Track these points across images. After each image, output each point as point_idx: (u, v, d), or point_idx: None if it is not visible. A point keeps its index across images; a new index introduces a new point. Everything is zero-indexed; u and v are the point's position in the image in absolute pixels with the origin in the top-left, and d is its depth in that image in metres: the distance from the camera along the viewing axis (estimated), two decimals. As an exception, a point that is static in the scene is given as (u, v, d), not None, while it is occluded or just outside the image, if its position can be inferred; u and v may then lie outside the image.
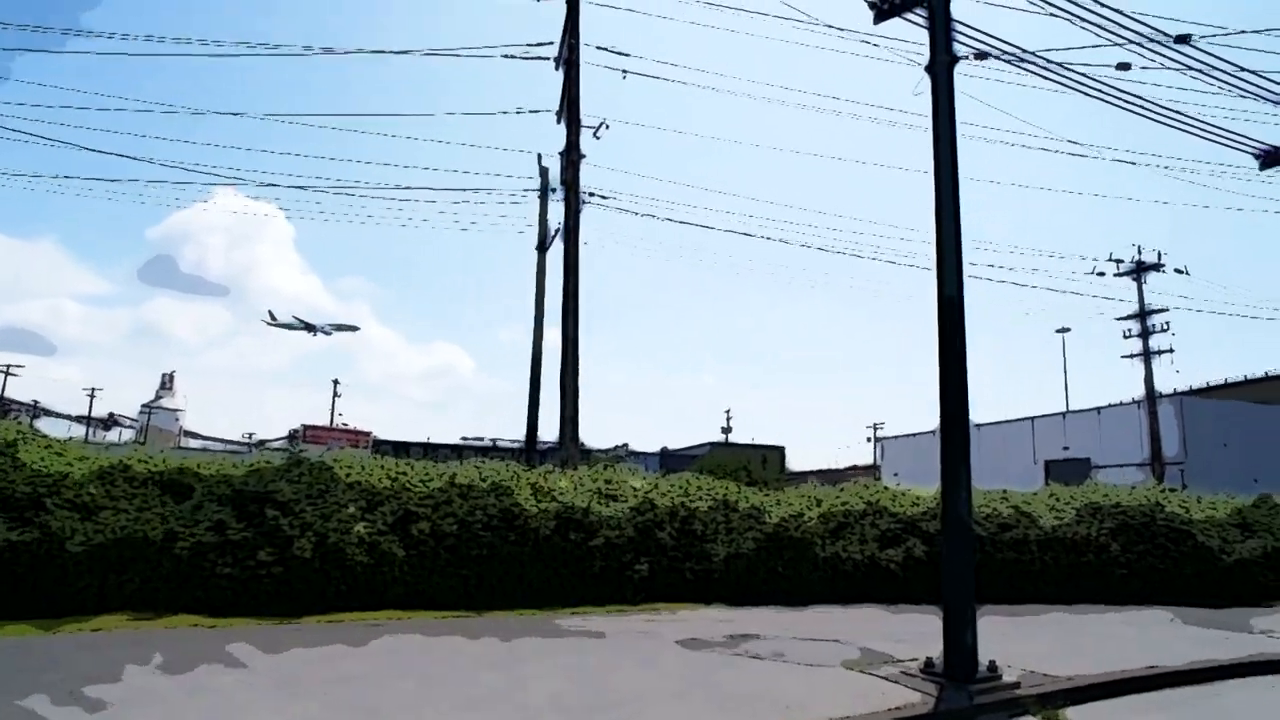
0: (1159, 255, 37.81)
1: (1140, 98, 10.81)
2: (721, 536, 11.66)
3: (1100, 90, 10.60)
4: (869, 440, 72.41)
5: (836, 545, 12.03)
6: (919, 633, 9.26)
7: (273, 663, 6.55)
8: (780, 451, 61.30)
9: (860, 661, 7.49)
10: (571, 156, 17.16)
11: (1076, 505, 14.54)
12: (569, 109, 17.60)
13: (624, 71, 17.24)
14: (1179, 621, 11.34)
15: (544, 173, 23.91)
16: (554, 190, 17.26)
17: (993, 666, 6.88)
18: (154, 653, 6.63)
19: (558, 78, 18.29)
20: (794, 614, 10.45)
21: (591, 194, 17.05)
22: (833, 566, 11.78)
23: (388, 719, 5.19)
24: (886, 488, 14.30)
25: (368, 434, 63.88)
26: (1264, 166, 11.84)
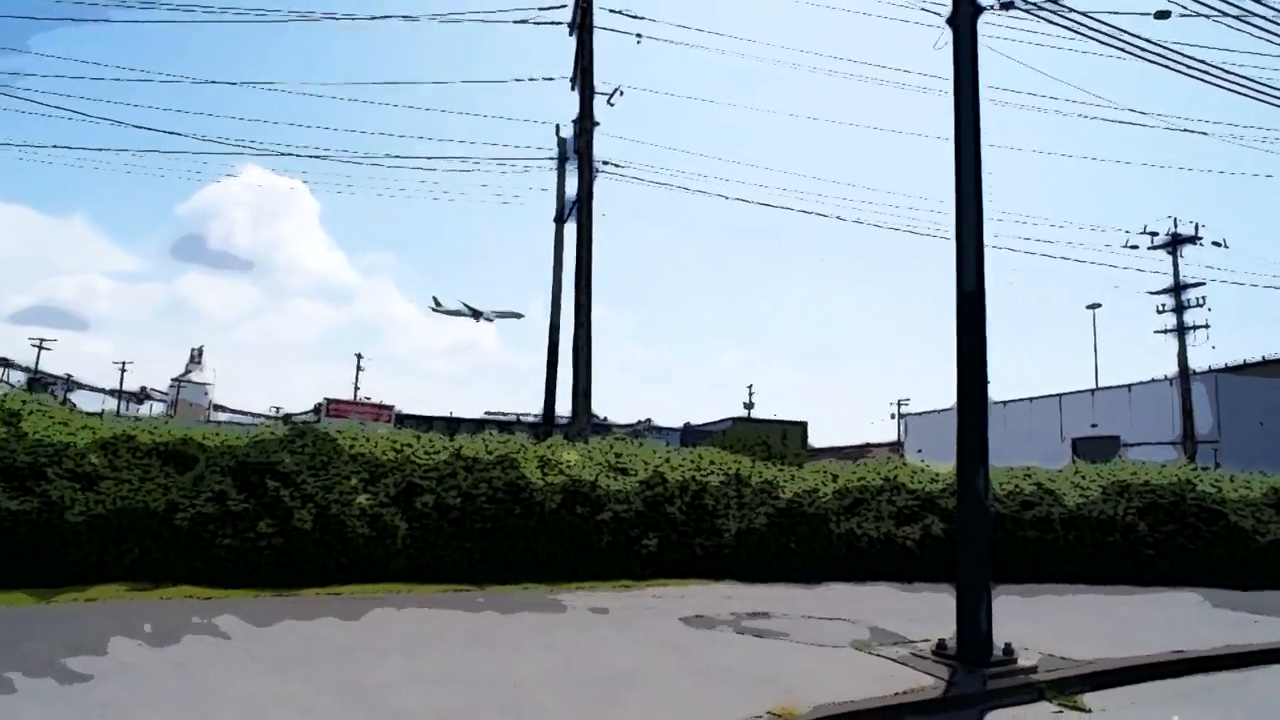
0: (1196, 227, 36.53)
1: (1180, 52, 10.19)
2: (733, 511, 11.39)
3: (1138, 46, 10.01)
4: (893, 417, 71.77)
5: (851, 522, 11.71)
6: (934, 613, 8.95)
7: (261, 635, 6.42)
8: (803, 427, 60.73)
9: (870, 642, 7.21)
10: (584, 124, 16.79)
11: (1103, 483, 14.08)
12: (582, 76, 17.20)
13: (638, 35, 16.77)
14: (1208, 604, 10.92)
15: (562, 143, 23.53)
16: (569, 160, 16.88)
17: (1008, 649, 6.57)
18: (144, 624, 6.53)
19: (574, 44, 17.87)
20: (806, 591, 10.19)
21: (605, 163, 16.68)
22: (847, 543, 11.47)
23: (370, 695, 5.01)
24: (905, 463, 13.94)
25: (391, 408, 64.33)
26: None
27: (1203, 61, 10.45)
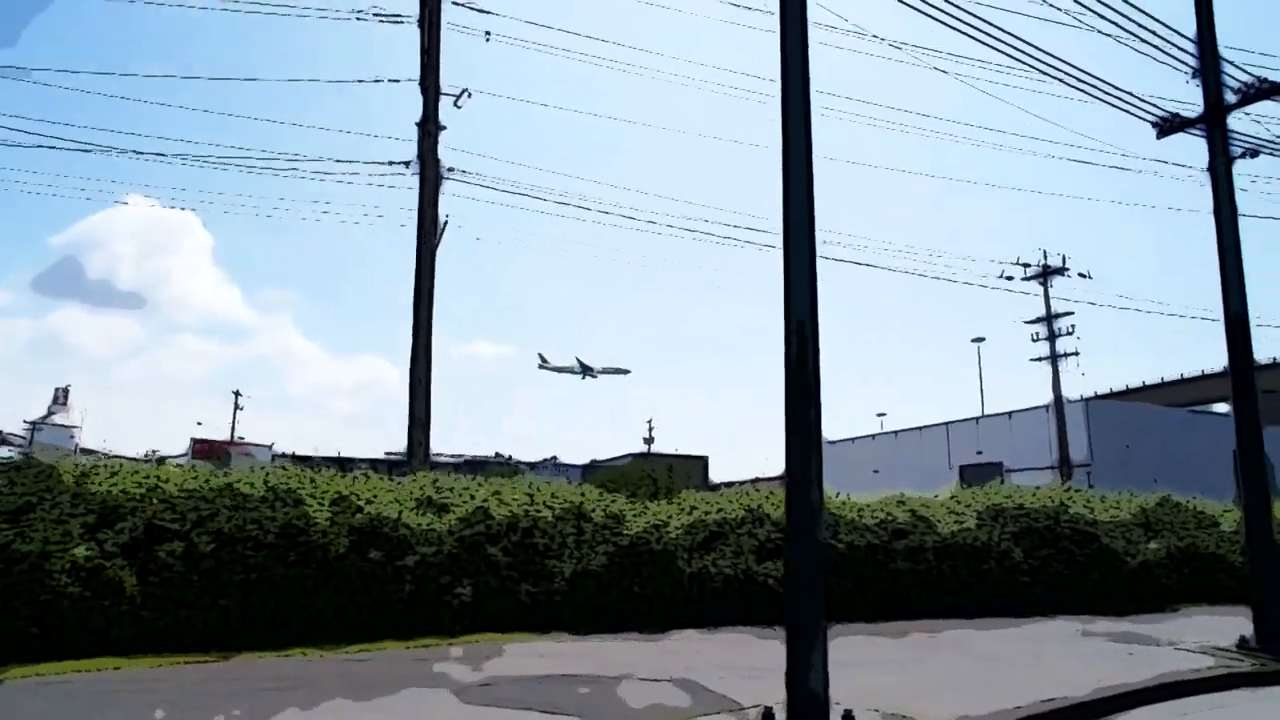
0: (1063, 259, 38.08)
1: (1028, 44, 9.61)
2: (569, 551, 9.86)
3: (988, 34, 9.35)
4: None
5: (706, 559, 10.37)
6: (782, 666, 7.66)
7: None
8: (703, 461, 59.96)
9: (687, 712, 5.78)
10: (428, 127, 15.27)
11: (978, 509, 13.34)
12: (427, 75, 15.71)
13: (486, 33, 15.46)
14: (1082, 634, 10.09)
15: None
16: (408, 164, 15.30)
17: (848, 717, 5.25)
18: None
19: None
20: (643, 644, 8.72)
21: (451, 169, 15.15)
22: (700, 584, 10.10)
23: None
24: (773, 492, 12.78)
25: (268, 447, 60.00)
26: (1161, 135, 10.81)
27: (1047, 54, 9.92)
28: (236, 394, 74.12)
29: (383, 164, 15.01)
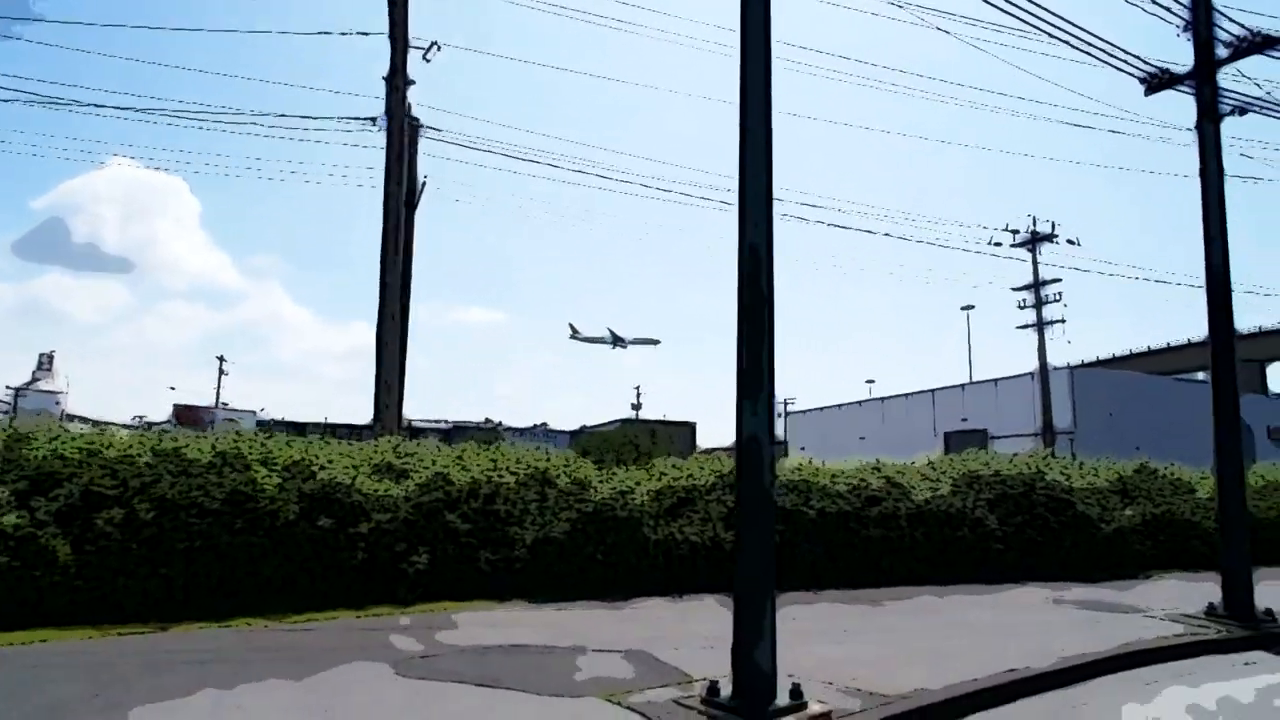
0: (1052, 225, 37.73)
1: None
2: (532, 517, 9.61)
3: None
4: (779, 415, 72.22)
5: (673, 526, 10.15)
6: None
7: None
8: (690, 428, 60.02)
9: (633, 685, 5.56)
10: (395, 81, 14.72)
11: (954, 475, 13.17)
12: (395, 26, 15.09)
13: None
14: (1053, 602, 9.97)
15: (414, 126, 21.47)
16: (374, 120, 14.73)
17: (796, 692, 5.03)
18: None
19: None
20: (603, 613, 8.51)
21: (421, 124, 14.62)
22: (666, 551, 9.89)
23: None
24: (711, 454, 12.57)
25: (253, 413, 59.55)
26: (1149, 91, 10.40)
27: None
28: (221, 360, 73.65)
29: (350, 119, 14.47)
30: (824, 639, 7.43)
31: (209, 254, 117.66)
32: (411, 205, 21.78)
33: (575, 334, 77.45)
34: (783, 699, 4.95)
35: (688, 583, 9.89)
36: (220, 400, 70.58)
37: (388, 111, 14.74)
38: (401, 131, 14.45)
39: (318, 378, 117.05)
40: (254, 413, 59.59)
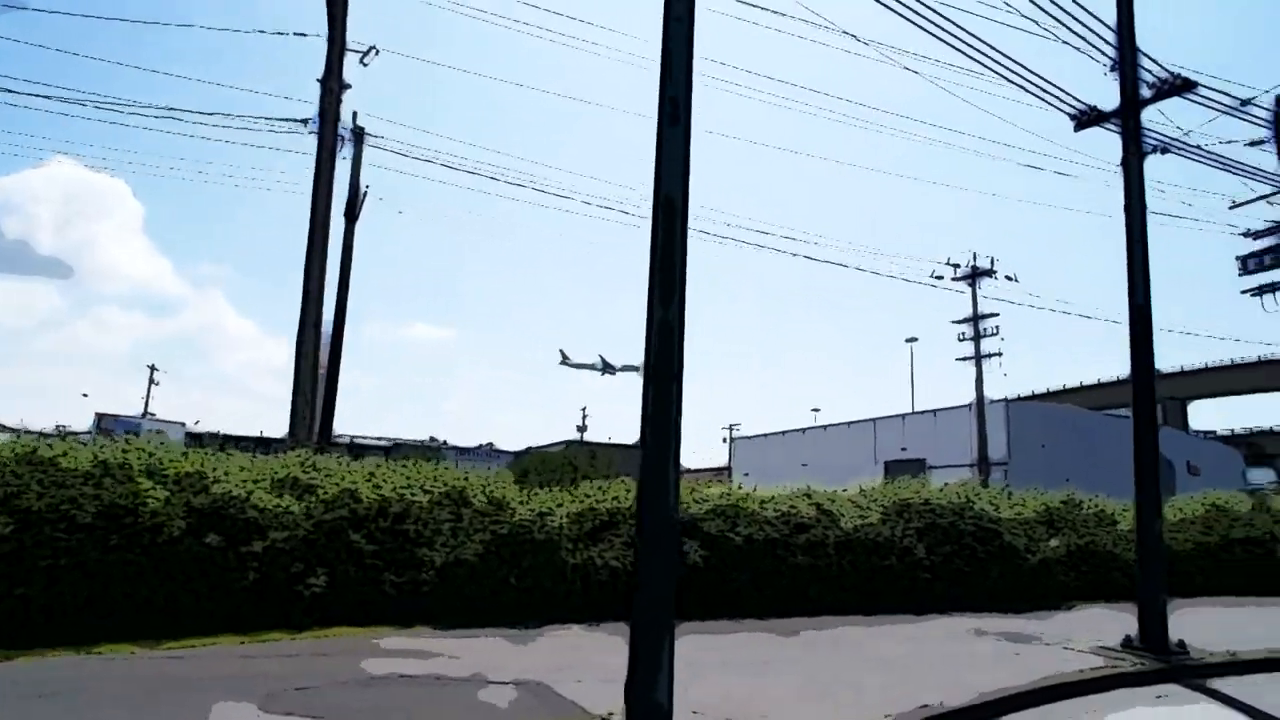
0: (992, 261, 38.78)
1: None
2: (444, 539, 9.14)
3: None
4: (724, 441, 72.33)
5: (593, 550, 9.77)
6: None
7: None
8: (635, 450, 59.44)
9: (522, 721, 5.17)
10: (330, 83, 14.22)
11: (884, 504, 13.07)
12: (333, 27, 14.64)
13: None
14: (977, 633, 9.84)
15: (358, 135, 21.02)
16: (306, 122, 14.20)
17: (693, 729, 4.71)
18: None
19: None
20: (510, 641, 8.06)
21: (353, 129, 14.14)
22: (584, 576, 9.50)
23: None
24: (694, 488, 12.28)
25: (180, 424, 57.26)
26: (1078, 128, 10.60)
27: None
28: (152, 369, 70.77)
29: (280, 120, 13.92)
30: (739, 671, 7.14)
31: (150, 260, 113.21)
32: (353, 216, 21.22)
33: (565, 360, 78.11)
34: (678, 739, 4.62)
35: (607, 609, 9.49)
36: (148, 410, 67.80)
37: (321, 114, 14.23)
38: (334, 135, 13.97)
39: (260, 392, 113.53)
40: (182, 424, 57.27)
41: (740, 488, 13.19)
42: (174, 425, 55.59)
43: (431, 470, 10.36)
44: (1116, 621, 9.93)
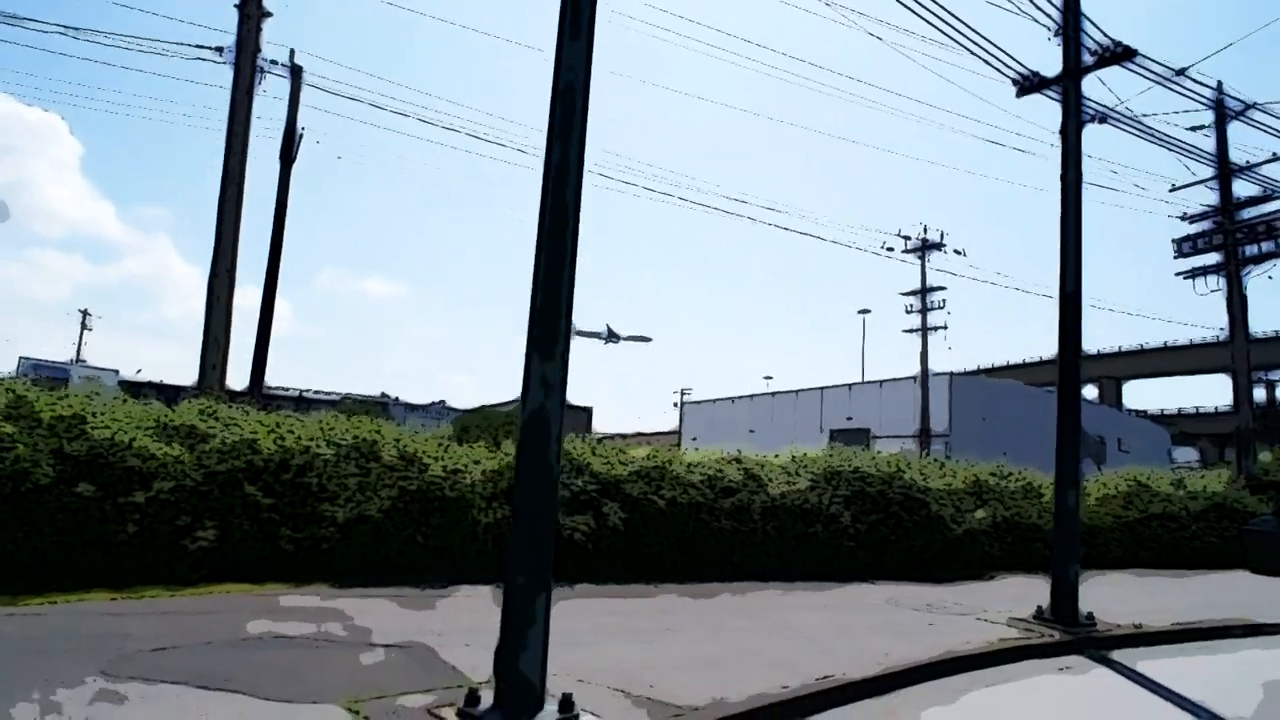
0: (941, 235, 39.02)
1: None
2: (349, 494, 8.72)
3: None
4: (674, 405, 72.55)
5: (506, 509, 9.42)
6: (558, 630, 6.87)
7: None
8: (587, 412, 59.41)
9: (391, 688, 4.84)
10: (248, 9, 13.28)
11: (815, 471, 12.98)
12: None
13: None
14: (892, 603, 9.81)
15: (295, 71, 19.94)
16: (220, 50, 13.26)
17: (567, 703, 4.43)
18: None
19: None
20: (409, 602, 7.72)
21: (274, 62, 13.28)
22: (496, 536, 9.17)
23: None
24: (600, 441, 12.01)
25: (114, 371, 55.24)
26: (1021, 93, 10.38)
27: None
28: (84, 314, 67.90)
29: (192, 46, 12.96)
30: (641, 638, 6.93)
31: (90, 203, 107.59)
32: (289, 159, 20.20)
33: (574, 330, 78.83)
34: (550, 710, 4.34)
35: (521, 571, 9.22)
36: (79, 357, 65.23)
37: (238, 42, 13.30)
38: (252, 66, 13.08)
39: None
40: (116, 371, 55.18)
41: (685, 452, 12.98)
42: (107, 373, 53.54)
43: (344, 423, 9.88)
44: (1035, 592, 10.00)
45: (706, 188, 48.96)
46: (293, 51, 19.59)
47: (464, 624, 6.75)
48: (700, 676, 5.73)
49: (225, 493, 8.04)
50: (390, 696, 4.66)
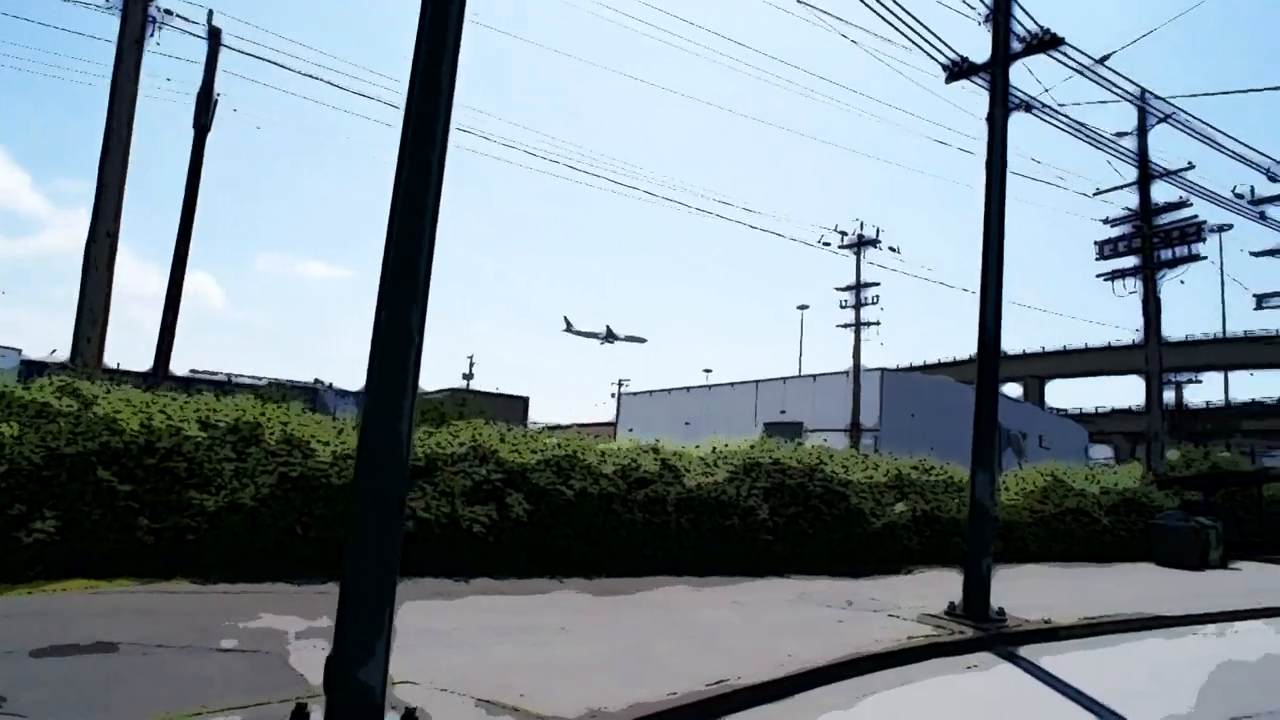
0: (877, 231, 39.34)
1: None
2: (223, 481, 7.97)
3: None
4: (611, 395, 72.21)
5: (402, 498, 8.81)
6: (429, 628, 6.33)
7: None
8: (524, 402, 58.67)
9: (216, 702, 4.22)
10: (140, -53, 12.20)
11: (735, 463, 12.65)
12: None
13: None
14: (805, 599, 9.52)
15: (214, 33, 18.70)
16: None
17: (410, 718, 3.90)
18: None
19: None
20: (278, 600, 7.05)
21: (169, 12, 12.23)
22: (388, 527, 8.53)
23: None
24: (510, 429, 11.42)
25: (16, 351, 52.03)
26: (950, 79, 10.16)
27: None
28: (-11, 288, 63.79)
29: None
30: (529, 638, 6.43)
31: (5, 173, 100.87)
32: (203, 126, 18.95)
33: (569, 328, 79.31)
34: (390, 725, 3.80)
35: (414, 565, 8.54)
36: (-15, 335, 61.34)
37: (127, -13, 12.22)
38: (143, 14, 12.01)
39: (130, 320, 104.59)
40: (18, 350, 51.99)
41: (599, 440, 12.50)
42: (9, 352, 50.29)
43: (230, 404, 9.09)
44: (950, 586, 9.83)
45: (660, 179, 48.37)
46: (210, 13, 18.42)
47: (331, 625, 6.12)
48: (583, 682, 5.26)
49: (74, 478, 7.22)
50: (210, 714, 4.04)
